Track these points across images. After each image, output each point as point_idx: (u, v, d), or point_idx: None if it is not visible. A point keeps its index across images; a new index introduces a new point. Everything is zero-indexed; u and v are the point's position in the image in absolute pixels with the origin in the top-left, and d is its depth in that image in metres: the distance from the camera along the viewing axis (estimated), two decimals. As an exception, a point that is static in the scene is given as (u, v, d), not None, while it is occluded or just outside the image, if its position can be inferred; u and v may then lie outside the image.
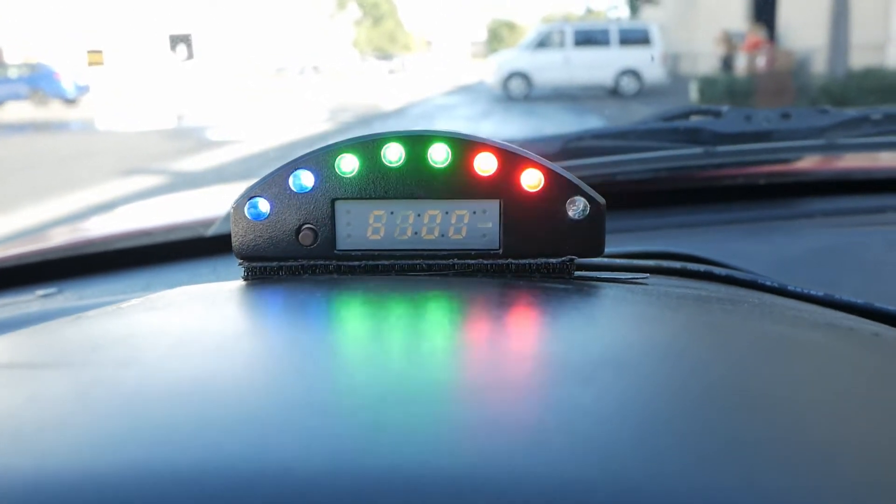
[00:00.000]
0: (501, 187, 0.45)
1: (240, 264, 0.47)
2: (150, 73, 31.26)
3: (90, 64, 33.20)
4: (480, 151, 0.44)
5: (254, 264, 0.46)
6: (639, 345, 0.30)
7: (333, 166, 0.45)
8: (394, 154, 0.44)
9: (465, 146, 0.44)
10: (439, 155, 0.44)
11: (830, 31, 11.76)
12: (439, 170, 0.44)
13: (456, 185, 0.45)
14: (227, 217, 0.92)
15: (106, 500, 0.20)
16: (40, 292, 0.85)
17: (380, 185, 0.45)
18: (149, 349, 0.29)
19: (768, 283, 0.62)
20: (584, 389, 0.25)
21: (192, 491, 0.20)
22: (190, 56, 36.18)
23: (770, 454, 0.22)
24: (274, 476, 0.20)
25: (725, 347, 0.30)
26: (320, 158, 0.45)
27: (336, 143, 0.45)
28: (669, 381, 0.26)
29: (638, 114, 12.34)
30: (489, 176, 0.44)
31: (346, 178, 0.45)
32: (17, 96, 20.19)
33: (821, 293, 0.61)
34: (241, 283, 0.45)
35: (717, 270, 0.63)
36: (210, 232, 0.92)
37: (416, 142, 0.44)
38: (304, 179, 0.45)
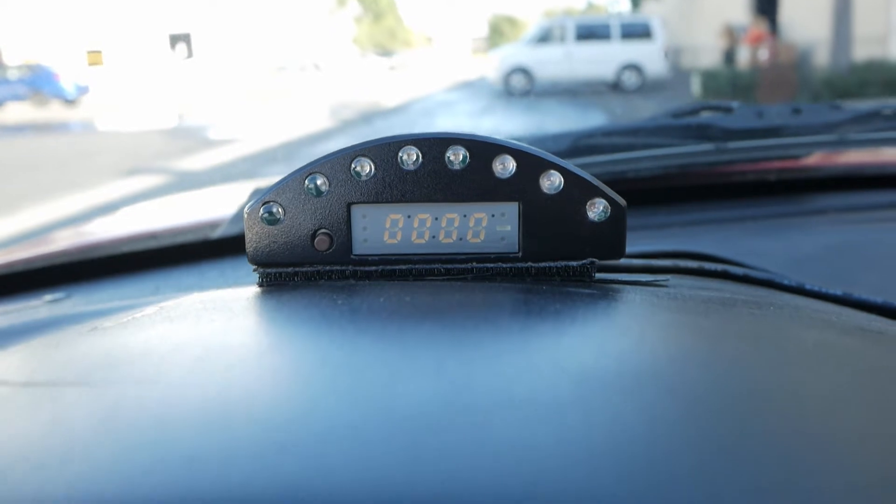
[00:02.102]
0: (520, 190, 0.44)
1: (254, 270, 0.46)
2: (150, 73, 31.26)
3: (90, 64, 33.19)
4: (499, 154, 0.43)
5: (268, 270, 0.45)
6: (675, 356, 0.29)
7: (349, 170, 0.44)
8: (410, 157, 0.44)
9: (483, 148, 0.43)
10: (457, 157, 0.44)
11: (832, 24, 11.73)
12: (457, 172, 0.44)
13: (474, 187, 0.44)
14: (233, 219, 0.91)
15: None
16: (48, 297, 0.85)
17: (396, 188, 0.44)
18: (170, 366, 0.28)
19: (786, 282, 0.61)
20: (626, 404, 0.24)
21: None
22: (189, 55, 36.14)
23: (822, 464, 0.21)
24: None
25: (763, 357, 0.29)
26: (335, 163, 0.44)
27: (351, 147, 0.44)
28: (708, 394, 0.26)
29: (641, 108, 12.34)
30: (508, 178, 0.44)
31: (362, 182, 0.44)
32: (16, 97, 20.20)
33: (839, 292, 0.60)
34: (256, 289, 0.44)
35: (733, 270, 0.63)
36: (216, 234, 0.92)
37: (433, 145, 0.43)
38: (319, 184, 0.44)
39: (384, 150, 0.43)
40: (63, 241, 1.07)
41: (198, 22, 36.62)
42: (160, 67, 33.27)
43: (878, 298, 0.59)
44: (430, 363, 0.27)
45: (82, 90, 20.95)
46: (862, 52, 12.63)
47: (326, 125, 12.32)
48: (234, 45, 37.26)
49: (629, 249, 0.48)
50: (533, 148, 0.44)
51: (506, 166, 0.44)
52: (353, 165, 0.44)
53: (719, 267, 0.62)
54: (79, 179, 7.61)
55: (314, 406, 0.24)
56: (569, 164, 0.44)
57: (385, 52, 49.05)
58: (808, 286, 0.61)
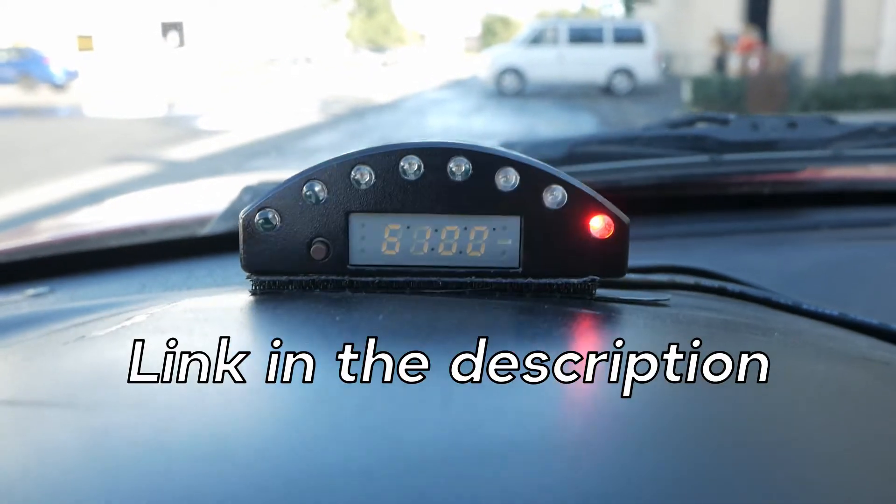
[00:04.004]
0: (522, 203, 0.43)
1: (247, 278, 0.45)
2: (141, 60, 31.03)
3: (80, 49, 32.92)
4: (502, 166, 0.42)
5: (262, 278, 0.44)
6: (680, 393, 0.28)
7: (348, 178, 0.43)
8: (412, 167, 0.43)
9: (486, 160, 0.42)
10: (459, 169, 0.43)
11: (823, 35, 11.80)
12: (459, 184, 0.43)
13: (476, 200, 0.43)
14: (222, 216, 0.90)
15: None
16: (30, 291, 0.83)
17: (396, 198, 0.43)
18: (160, 388, 0.27)
19: (782, 300, 0.61)
20: (636, 449, 0.24)
21: None
22: (181, 44, 35.88)
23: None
24: None
25: (774, 394, 0.29)
26: (334, 170, 0.43)
27: (351, 154, 0.43)
28: (715, 439, 0.25)
29: (631, 113, 12.37)
30: (510, 191, 0.43)
31: (362, 191, 0.43)
32: (5, 80, 20.02)
33: (835, 312, 0.59)
34: (248, 298, 0.43)
35: (730, 286, 0.62)
36: (205, 231, 0.90)
37: (435, 155, 0.42)
38: (318, 191, 0.43)
39: (385, 158, 0.42)
40: (47, 233, 1.05)
41: (191, 11, 36.39)
42: (151, 55, 33.02)
43: (874, 320, 0.59)
44: (431, 399, 0.26)
45: (71, 75, 20.80)
46: (851, 64, 12.71)
47: (317, 119, 12.27)
48: (226, 36, 37.05)
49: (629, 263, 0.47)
50: (537, 161, 0.43)
51: (508, 179, 0.43)
52: (352, 173, 0.43)
53: (716, 283, 0.62)
54: (65, 165, 7.54)
55: (314, 443, 0.24)
56: (573, 178, 0.43)
57: (378, 48, 48.95)
58: (804, 305, 0.60)
